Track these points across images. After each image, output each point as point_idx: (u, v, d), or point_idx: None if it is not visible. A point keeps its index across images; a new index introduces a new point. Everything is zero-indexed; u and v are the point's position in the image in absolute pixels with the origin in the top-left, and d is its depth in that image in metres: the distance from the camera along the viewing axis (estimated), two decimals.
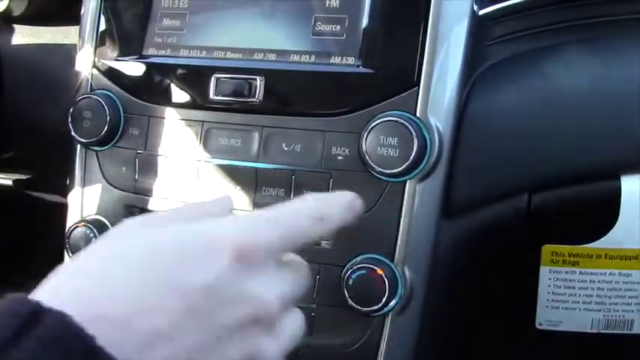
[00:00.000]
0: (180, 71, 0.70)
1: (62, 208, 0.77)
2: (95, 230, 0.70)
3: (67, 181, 0.76)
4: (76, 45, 0.77)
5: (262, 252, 0.40)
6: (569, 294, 0.71)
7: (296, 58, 0.66)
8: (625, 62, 0.67)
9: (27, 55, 0.85)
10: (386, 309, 0.62)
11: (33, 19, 0.87)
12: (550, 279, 0.71)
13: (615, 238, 0.66)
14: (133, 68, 0.72)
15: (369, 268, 0.62)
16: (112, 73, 0.73)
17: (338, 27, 0.65)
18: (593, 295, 0.71)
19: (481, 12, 0.67)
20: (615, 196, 0.64)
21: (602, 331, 0.72)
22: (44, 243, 0.93)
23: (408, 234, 0.63)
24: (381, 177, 0.63)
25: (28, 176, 1.05)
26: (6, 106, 0.84)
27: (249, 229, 0.40)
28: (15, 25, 0.87)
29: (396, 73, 0.64)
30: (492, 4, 0.69)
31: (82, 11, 0.76)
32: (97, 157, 0.73)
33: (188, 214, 0.43)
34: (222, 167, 0.67)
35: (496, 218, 0.66)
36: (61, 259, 0.76)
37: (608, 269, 0.69)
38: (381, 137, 0.61)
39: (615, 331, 0.72)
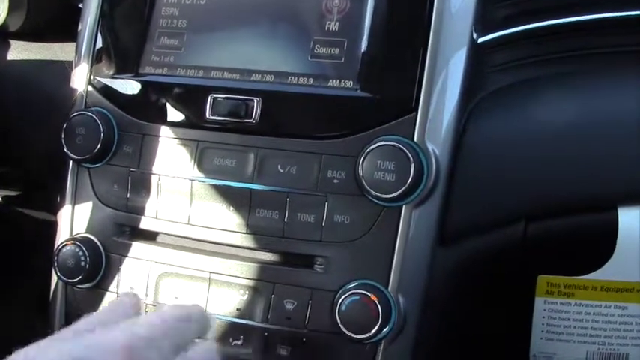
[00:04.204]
0: (176, 90, 0.70)
1: (51, 226, 0.76)
2: (84, 248, 0.69)
3: (58, 199, 0.75)
4: (72, 61, 0.76)
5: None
6: (564, 325, 0.71)
7: (294, 80, 0.66)
8: (625, 94, 0.67)
9: (22, 71, 0.85)
10: (379, 336, 0.61)
11: (29, 35, 0.87)
12: (545, 310, 0.71)
13: (611, 270, 0.66)
14: (129, 86, 0.72)
15: (363, 294, 0.61)
16: (107, 91, 0.73)
17: (337, 50, 0.65)
18: (588, 328, 0.70)
19: (480, 40, 0.67)
20: (612, 227, 0.64)
21: None
22: (32, 261, 0.92)
23: (403, 260, 0.62)
24: (377, 202, 0.62)
25: (17, 193, 1.04)
26: None
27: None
28: (11, 41, 0.87)
29: (394, 97, 0.63)
30: (492, 33, 0.69)
31: (79, 28, 0.76)
32: (89, 174, 0.72)
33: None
34: (216, 188, 0.67)
35: (492, 246, 0.66)
36: (48, 278, 0.75)
37: (603, 301, 0.69)
38: (378, 162, 0.61)
39: None
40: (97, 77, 0.73)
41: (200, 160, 0.68)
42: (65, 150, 0.71)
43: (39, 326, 0.76)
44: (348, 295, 0.61)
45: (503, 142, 0.66)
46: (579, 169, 0.64)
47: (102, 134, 0.70)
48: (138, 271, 0.69)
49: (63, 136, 0.71)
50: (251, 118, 0.66)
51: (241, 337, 0.66)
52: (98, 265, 0.70)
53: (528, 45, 0.71)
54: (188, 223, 0.68)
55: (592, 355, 0.71)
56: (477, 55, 0.66)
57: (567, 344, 0.71)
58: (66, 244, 0.70)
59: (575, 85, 0.68)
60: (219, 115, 0.67)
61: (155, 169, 0.69)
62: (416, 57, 0.63)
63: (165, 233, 0.70)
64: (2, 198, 1.04)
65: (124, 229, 0.71)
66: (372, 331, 0.61)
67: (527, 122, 0.67)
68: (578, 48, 0.71)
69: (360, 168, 0.62)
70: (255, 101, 0.66)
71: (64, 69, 0.78)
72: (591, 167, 0.64)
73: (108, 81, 0.73)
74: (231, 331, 0.66)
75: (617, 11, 0.70)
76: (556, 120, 0.66)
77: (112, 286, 0.70)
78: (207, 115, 0.67)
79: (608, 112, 0.66)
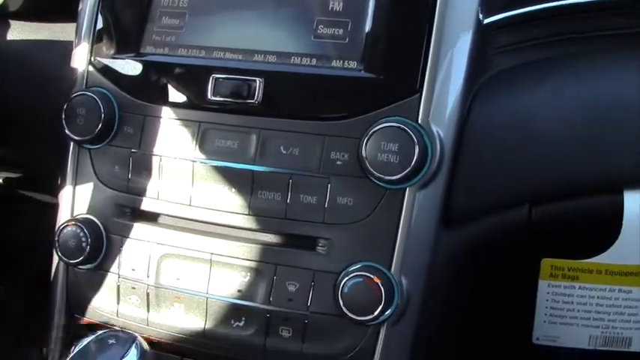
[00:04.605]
0: (177, 70, 0.69)
1: (53, 208, 0.75)
2: (85, 229, 0.69)
3: (59, 180, 0.75)
4: (72, 42, 0.75)
5: None
6: (568, 309, 0.70)
7: (297, 60, 0.65)
8: (629, 76, 0.66)
9: (22, 51, 0.84)
10: (381, 318, 0.61)
11: (30, 15, 0.86)
12: (548, 293, 0.70)
13: (616, 254, 0.65)
14: (130, 66, 0.71)
15: (366, 276, 0.61)
16: (108, 71, 0.72)
17: (340, 30, 0.65)
18: (591, 311, 0.70)
19: (486, 21, 0.66)
20: (618, 210, 0.63)
21: (600, 348, 0.71)
22: (33, 242, 0.92)
23: (406, 242, 0.62)
24: (380, 183, 0.61)
25: (18, 175, 1.03)
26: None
27: None
28: (11, 21, 0.86)
29: (398, 78, 0.63)
30: (497, 14, 0.68)
31: (80, 7, 0.75)
32: (90, 155, 0.72)
33: None
34: (217, 169, 0.66)
35: (496, 229, 0.65)
36: (49, 259, 0.74)
37: (608, 285, 0.68)
38: (382, 143, 0.60)
39: (613, 349, 0.71)
40: (97, 57, 0.73)
41: (202, 141, 0.67)
42: (66, 131, 0.71)
43: (40, 307, 0.76)
44: (351, 277, 0.61)
45: (507, 124, 0.65)
46: (584, 152, 0.63)
47: (103, 114, 0.69)
48: (139, 253, 0.69)
49: (63, 116, 0.71)
50: (253, 98, 0.65)
51: (243, 318, 0.65)
52: (99, 246, 0.70)
53: (533, 26, 0.70)
54: (190, 205, 0.67)
55: (595, 339, 0.71)
56: (483, 36, 0.65)
57: (571, 328, 0.71)
58: (67, 225, 0.70)
59: (580, 67, 0.67)
60: (221, 96, 0.66)
61: (156, 150, 0.69)
62: (421, 37, 0.62)
63: (167, 214, 0.69)
64: (3, 180, 1.04)
65: (125, 210, 0.71)
66: (375, 314, 0.61)
67: (531, 105, 0.66)
68: (583, 30, 0.70)
69: (363, 149, 0.61)
70: (258, 82, 0.65)
71: (64, 49, 0.78)
72: (596, 149, 0.63)
73: (108, 61, 0.72)
74: (233, 312, 0.66)
75: None
76: (561, 103, 0.65)
77: (114, 268, 0.70)
78: (209, 96, 0.67)
79: (614, 95, 0.65)
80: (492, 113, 0.65)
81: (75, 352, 0.54)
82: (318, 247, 0.64)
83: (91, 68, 0.73)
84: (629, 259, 0.66)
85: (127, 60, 0.71)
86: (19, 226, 1.07)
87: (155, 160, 0.68)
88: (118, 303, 0.70)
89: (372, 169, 0.61)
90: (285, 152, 0.65)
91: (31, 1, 0.85)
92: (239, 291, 0.65)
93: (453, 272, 0.65)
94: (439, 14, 0.62)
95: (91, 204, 0.71)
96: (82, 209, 0.72)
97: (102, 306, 0.71)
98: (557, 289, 0.70)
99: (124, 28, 0.73)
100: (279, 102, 0.66)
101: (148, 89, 0.70)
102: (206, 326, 0.67)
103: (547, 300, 0.71)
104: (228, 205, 0.66)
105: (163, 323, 0.68)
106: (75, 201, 0.72)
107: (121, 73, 0.71)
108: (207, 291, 0.66)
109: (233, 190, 0.66)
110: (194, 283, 0.67)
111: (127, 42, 0.72)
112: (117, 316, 0.70)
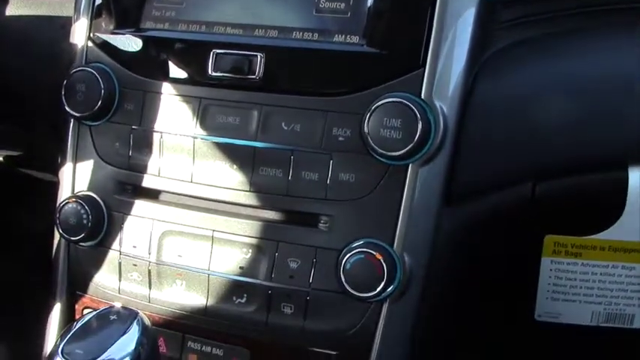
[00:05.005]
0: (178, 46, 0.68)
1: (53, 187, 0.75)
2: (86, 206, 0.68)
3: (59, 158, 0.74)
4: (71, 17, 0.75)
5: None
6: (570, 285, 0.70)
7: (298, 35, 0.65)
8: (636, 50, 0.65)
9: (21, 27, 0.83)
10: (383, 295, 0.61)
11: None
12: (551, 270, 0.70)
13: (620, 230, 0.65)
14: (130, 42, 0.70)
15: (368, 252, 0.61)
16: (107, 46, 0.71)
17: (342, 5, 0.64)
18: (594, 288, 0.70)
19: None
20: (622, 187, 0.63)
21: (602, 325, 0.71)
22: (33, 221, 0.92)
23: (409, 219, 0.61)
24: (383, 160, 0.61)
25: (19, 152, 1.03)
26: None
27: None
28: None
29: (401, 53, 0.62)
30: None
31: None
32: (90, 132, 0.71)
33: None
34: (219, 145, 0.66)
35: (499, 206, 0.65)
36: (50, 237, 0.74)
37: (611, 262, 0.68)
38: (384, 119, 0.60)
39: (615, 325, 0.71)
40: (96, 33, 0.72)
41: (203, 117, 0.66)
42: (66, 107, 0.70)
43: (39, 285, 0.76)
44: (353, 253, 0.61)
45: (510, 99, 0.65)
46: (589, 127, 0.63)
47: (102, 90, 0.69)
48: (140, 230, 0.69)
49: (63, 92, 0.70)
50: (254, 74, 0.65)
51: (245, 295, 0.65)
52: (100, 223, 0.69)
53: (537, 1, 0.69)
54: (191, 181, 0.67)
55: (598, 315, 0.71)
56: (487, 10, 0.64)
57: (573, 304, 0.71)
58: (68, 202, 0.69)
59: (584, 42, 0.67)
60: (221, 72, 0.66)
61: (157, 126, 0.68)
62: (424, 11, 0.61)
63: (168, 191, 0.69)
64: (4, 158, 1.03)
65: (126, 187, 0.70)
66: (377, 290, 0.60)
67: (535, 79, 0.65)
68: (587, 5, 0.69)
69: (365, 125, 0.60)
70: (259, 57, 0.65)
71: (63, 25, 0.77)
72: (602, 125, 0.63)
73: (108, 37, 0.71)
74: (235, 289, 0.66)
75: None
76: (565, 77, 0.65)
77: (115, 245, 0.70)
78: (210, 72, 0.66)
79: (621, 70, 0.64)
80: (496, 89, 0.65)
81: (76, 328, 0.54)
82: (320, 224, 0.64)
83: (90, 44, 0.72)
84: (632, 236, 0.66)
85: (126, 35, 0.70)
86: (19, 204, 1.07)
87: (156, 137, 0.68)
88: (120, 280, 0.70)
89: (374, 145, 0.60)
90: (286, 128, 0.64)
91: None
92: (241, 268, 0.65)
93: (455, 249, 0.65)
94: None
95: (92, 181, 0.71)
96: (82, 186, 0.72)
97: (103, 283, 0.71)
98: (560, 266, 0.70)
99: (123, 3, 0.72)
100: (281, 77, 0.65)
101: (148, 65, 0.70)
102: (208, 303, 0.67)
103: (550, 277, 0.70)
104: (230, 181, 0.66)
105: (165, 300, 0.69)
106: (75, 178, 0.72)
107: (120, 49, 0.71)
108: (209, 268, 0.66)
109: (234, 166, 0.65)
110: (196, 260, 0.67)
111: (126, 17, 0.71)
112: (118, 293, 0.70)
